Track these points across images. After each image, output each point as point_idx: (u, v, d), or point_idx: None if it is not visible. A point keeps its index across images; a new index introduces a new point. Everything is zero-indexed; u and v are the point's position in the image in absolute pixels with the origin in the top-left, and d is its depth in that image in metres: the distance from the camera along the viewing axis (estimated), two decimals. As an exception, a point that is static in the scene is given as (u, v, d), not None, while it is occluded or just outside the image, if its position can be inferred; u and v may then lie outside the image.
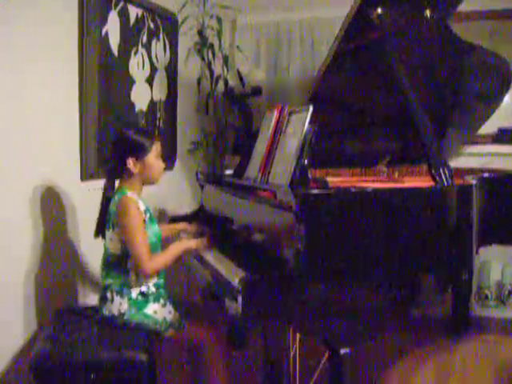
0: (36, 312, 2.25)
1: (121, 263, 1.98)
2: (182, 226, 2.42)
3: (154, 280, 2.02)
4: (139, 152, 1.96)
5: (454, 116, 2.61)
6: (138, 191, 2.01)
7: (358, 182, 2.22)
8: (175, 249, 2.05)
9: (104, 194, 2.02)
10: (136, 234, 1.89)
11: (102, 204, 2.02)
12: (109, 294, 1.98)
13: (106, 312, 1.98)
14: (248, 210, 2.09)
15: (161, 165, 2.05)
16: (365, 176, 2.70)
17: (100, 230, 2.04)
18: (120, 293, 1.97)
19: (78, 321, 2.05)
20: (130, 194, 1.95)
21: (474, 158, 3.17)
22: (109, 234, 1.98)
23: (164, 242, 2.19)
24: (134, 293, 1.97)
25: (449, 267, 1.88)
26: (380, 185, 2.11)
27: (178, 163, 3.46)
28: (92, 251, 2.08)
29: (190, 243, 2.11)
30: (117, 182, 2.03)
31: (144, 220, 1.96)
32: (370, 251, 1.71)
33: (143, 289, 1.99)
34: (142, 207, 1.98)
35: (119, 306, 1.96)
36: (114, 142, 2.04)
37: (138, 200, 1.97)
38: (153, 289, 2.01)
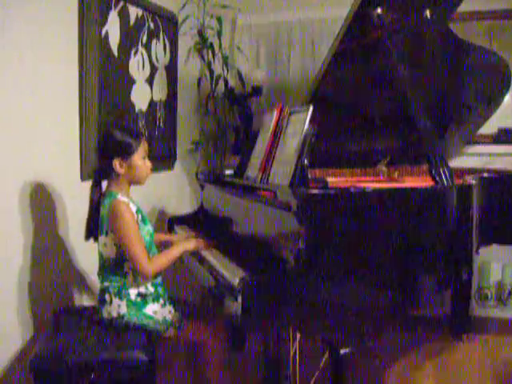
0: (32, 314, 2.24)
1: (117, 266, 1.97)
2: (174, 237, 2.42)
3: (152, 281, 2.02)
4: (125, 152, 1.93)
5: (454, 116, 2.61)
6: (127, 192, 2.00)
7: (357, 182, 2.22)
8: (175, 250, 2.05)
9: (91, 196, 2.00)
10: (132, 237, 1.88)
11: (91, 207, 2.00)
12: (107, 297, 1.97)
13: (105, 314, 1.98)
14: (248, 210, 2.09)
15: (147, 165, 2.02)
16: (365, 176, 2.70)
17: (90, 234, 2.03)
18: (118, 295, 1.96)
19: (77, 321, 2.05)
20: (119, 196, 1.93)
21: (474, 157, 3.17)
22: (102, 239, 1.96)
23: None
24: (133, 294, 1.97)
25: (449, 267, 1.88)
26: (380, 185, 2.11)
27: (177, 163, 3.46)
28: (93, 252, 2.08)
29: (190, 244, 2.11)
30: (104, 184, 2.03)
31: (136, 221, 1.95)
32: (369, 251, 1.71)
33: (141, 290, 1.98)
34: (134, 208, 1.96)
35: (118, 308, 1.95)
36: (100, 142, 2.03)
37: (129, 202, 1.96)
38: (151, 289, 2.00)
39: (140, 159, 1.98)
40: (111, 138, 1.95)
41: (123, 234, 1.88)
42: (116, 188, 1.97)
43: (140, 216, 1.99)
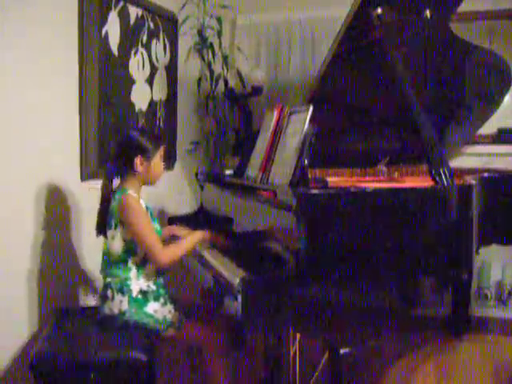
0: (38, 312, 2.25)
1: (121, 261, 1.99)
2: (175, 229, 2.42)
3: (154, 279, 2.03)
4: (148, 153, 2.01)
5: (454, 116, 2.61)
6: (138, 191, 2.04)
7: (357, 182, 2.22)
8: (187, 242, 2.07)
9: (103, 192, 2.03)
10: (144, 227, 1.93)
11: (102, 203, 2.02)
12: (109, 293, 1.98)
13: (106, 311, 1.99)
14: (248, 210, 2.09)
15: (162, 167, 2.10)
16: (365, 176, 2.70)
17: (101, 230, 2.04)
18: (121, 291, 1.97)
19: (78, 321, 2.05)
20: (130, 192, 1.97)
21: (474, 157, 3.17)
22: (111, 232, 1.98)
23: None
24: (135, 291, 1.98)
25: (449, 267, 1.88)
26: (380, 185, 2.11)
27: (177, 163, 3.46)
28: (93, 250, 2.09)
29: (200, 235, 2.12)
30: (116, 182, 2.04)
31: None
32: (369, 251, 1.71)
33: (144, 287, 1.99)
34: (143, 205, 2.02)
35: (120, 304, 1.96)
36: (124, 142, 2.06)
37: (139, 198, 2.01)
38: (153, 287, 2.01)
39: (159, 161, 2.06)
40: (136, 138, 2.01)
41: (137, 225, 1.92)
42: (128, 185, 2.01)
43: (149, 213, 2.04)
